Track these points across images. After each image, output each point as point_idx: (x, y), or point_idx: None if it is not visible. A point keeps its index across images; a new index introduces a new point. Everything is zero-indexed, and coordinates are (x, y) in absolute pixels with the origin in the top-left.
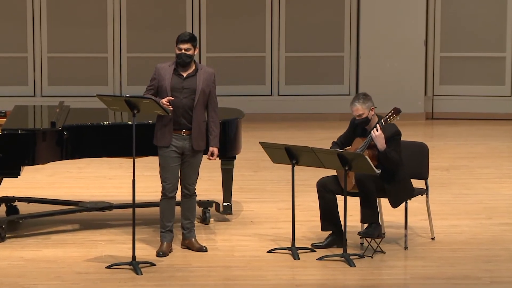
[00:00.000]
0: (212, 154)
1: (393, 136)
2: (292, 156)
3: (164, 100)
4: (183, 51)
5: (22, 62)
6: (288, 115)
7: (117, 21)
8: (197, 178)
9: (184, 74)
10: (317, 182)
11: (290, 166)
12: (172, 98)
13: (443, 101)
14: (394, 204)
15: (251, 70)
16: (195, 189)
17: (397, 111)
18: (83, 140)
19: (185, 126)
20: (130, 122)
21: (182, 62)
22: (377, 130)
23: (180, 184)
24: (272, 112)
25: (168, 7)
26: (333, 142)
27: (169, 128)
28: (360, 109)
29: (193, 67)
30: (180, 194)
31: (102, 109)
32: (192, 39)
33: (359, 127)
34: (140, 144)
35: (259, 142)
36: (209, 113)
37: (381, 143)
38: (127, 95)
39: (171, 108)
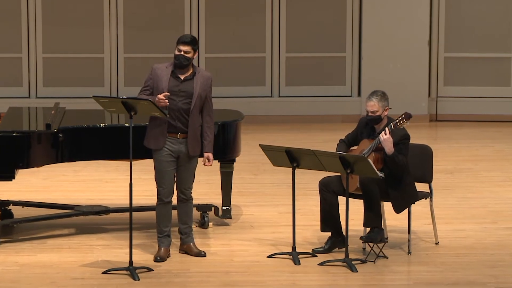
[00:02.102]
0: (208, 160)
1: (402, 140)
2: (292, 158)
3: (161, 96)
4: (182, 52)
5: (17, 63)
6: (288, 117)
7: (114, 21)
8: (193, 182)
9: (182, 77)
10: (319, 181)
11: (291, 169)
12: (168, 94)
13: (447, 103)
14: (398, 210)
15: (251, 71)
16: (191, 193)
17: (407, 116)
18: (79, 142)
19: (181, 130)
20: (127, 124)
21: (180, 63)
22: (385, 134)
23: (176, 189)
24: (273, 114)
25: (166, 6)
26: (341, 139)
27: (162, 130)
28: (376, 106)
29: (191, 70)
30: (177, 198)
31: (99, 111)
32: (193, 42)
33: (367, 127)
34: (137, 147)
35: (259, 145)
36: (204, 117)
37: (389, 147)
38: (124, 97)
39: (168, 103)
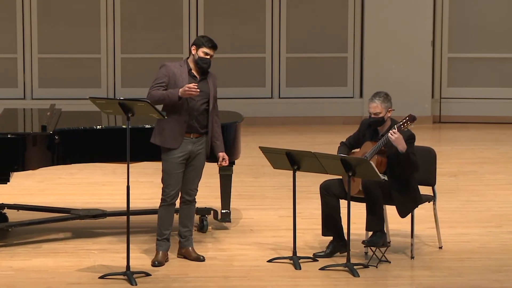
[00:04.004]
0: (223, 159)
1: (408, 140)
2: (293, 161)
3: (190, 85)
4: (209, 56)
5: (12, 63)
6: (289, 118)
7: (111, 21)
8: (199, 183)
9: (198, 77)
10: (320, 185)
11: (291, 171)
12: (197, 84)
13: (451, 104)
14: (402, 214)
15: (250, 71)
16: (196, 194)
17: (412, 119)
18: (75, 144)
19: (196, 130)
20: (124, 126)
21: (207, 67)
22: (394, 133)
23: (181, 190)
24: (273, 116)
25: (163, 6)
26: (342, 142)
27: (181, 130)
28: (379, 107)
29: None
30: (180, 200)
31: (95, 112)
32: (217, 47)
33: (369, 129)
34: (135, 149)
35: (259, 147)
36: (213, 117)
37: (401, 144)
38: (121, 98)
39: (199, 91)
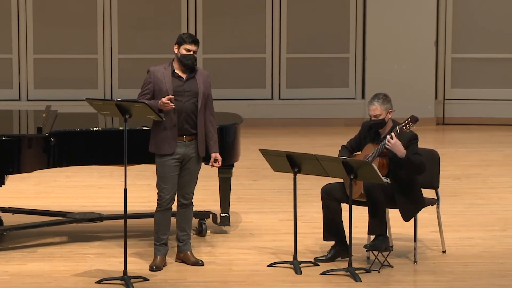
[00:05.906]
0: (215, 160)
1: (410, 141)
2: (294, 164)
3: (164, 99)
4: (192, 52)
5: (7, 64)
6: (289, 120)
7: (108, 21)
8: (195, 186)
9: (184, 77)
10: (321, 189)
11: (292, 174)
12: (173, 96)
13: (454, 106)
14: (406, 218)
15: (250, 72)
16: (192, 198)
17: (413, 120)
18: (72, 147)
19: (188, 132)
20: (121, 128)
21: (192, 64)
22: (392, 138)
23: (177, 194)
24: (273, 117)
25: (162, 5)
26: (343, 145)
27: (173, 133)
28: (378, 109)
29: None
30: (176, 204)
31: (92, 114)
32: (199, 42)
33: (371, 131)
34: (132, 151)
35: (259, 149)
36: (207, 117)
37: (400, 150)
38: (118, 99)
39: (173, 106)
